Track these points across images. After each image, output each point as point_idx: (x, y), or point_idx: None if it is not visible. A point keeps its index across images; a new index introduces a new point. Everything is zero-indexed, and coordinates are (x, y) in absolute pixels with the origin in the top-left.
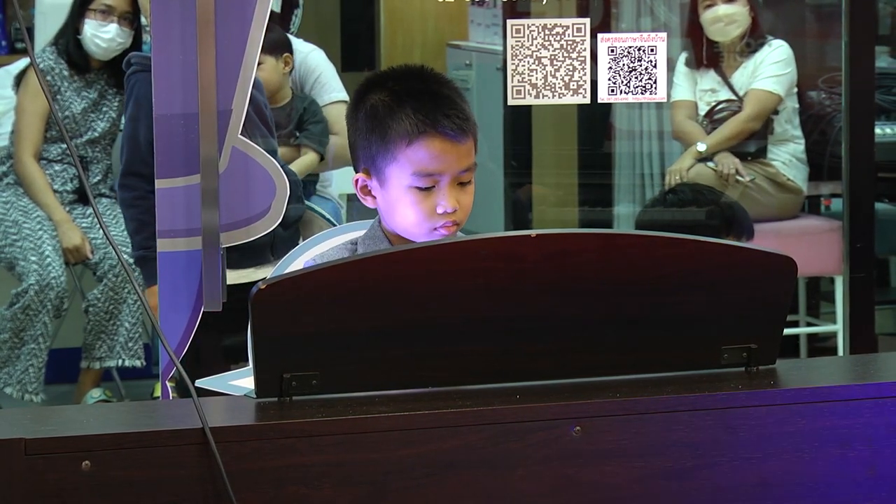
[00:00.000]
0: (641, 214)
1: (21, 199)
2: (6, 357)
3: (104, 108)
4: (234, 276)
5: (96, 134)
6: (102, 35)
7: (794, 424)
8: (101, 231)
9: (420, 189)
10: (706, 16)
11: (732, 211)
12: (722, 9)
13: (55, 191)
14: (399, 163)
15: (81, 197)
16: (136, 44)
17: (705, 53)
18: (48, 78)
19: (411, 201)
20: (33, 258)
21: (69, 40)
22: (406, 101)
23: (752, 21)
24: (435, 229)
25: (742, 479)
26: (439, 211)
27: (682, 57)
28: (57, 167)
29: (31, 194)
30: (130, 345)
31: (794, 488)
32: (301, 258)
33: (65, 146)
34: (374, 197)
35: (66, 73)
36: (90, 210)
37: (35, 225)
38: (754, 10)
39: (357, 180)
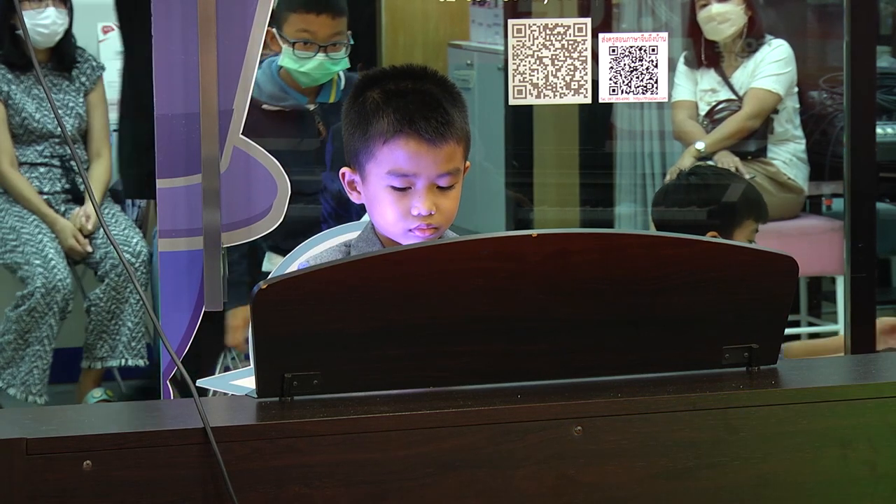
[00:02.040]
0: (658, 196)
1: (15, 204)
2: (10, 358)
3: (70, 104)
4: None
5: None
6: (42, 21)
7: (796, 424)
8: (100, 230)
9: (396, 189)
10: (701, 15)
11: (756, 194)
12: (715, 7)
13: (46, 193)
14: (377, 160)
15: (75, 197)
16: (71, 23)
17: (705, 53)
18: None
19: (389, 200)
20: (37, 262)
21: (4, 40)
22: (393, 99)
23: (749, 20)
24: (410, 230)
25: (743, 479)
26: (413, 213)
27: (683, 56)
28: (42, 169)
29: (19, 201)
30: (133, 344)
31: (796, 488)
32: (299, 259)
33: (41, 148)
34: (359, 192)
35: (9, 76)
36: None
37: (34, 229)
38: (752, 9)
39: (344, 174)
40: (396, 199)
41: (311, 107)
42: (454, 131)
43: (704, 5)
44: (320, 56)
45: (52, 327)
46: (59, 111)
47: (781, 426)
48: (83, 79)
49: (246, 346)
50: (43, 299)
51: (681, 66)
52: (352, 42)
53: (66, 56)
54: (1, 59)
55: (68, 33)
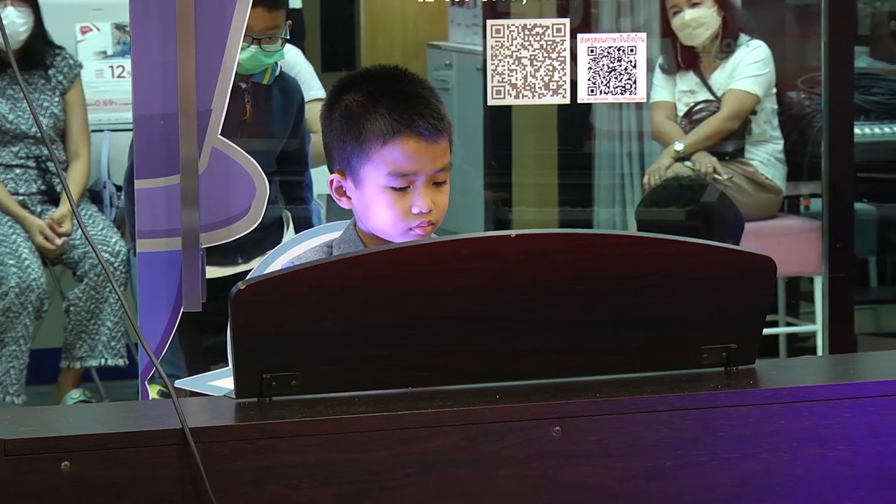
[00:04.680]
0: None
1: None
2: None
3: (45, 104)
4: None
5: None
6: None
7: (774, 424)
8: (79, 231)
9: (395, 189)
10: (675, 22)
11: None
12: (688, 14)
13: (22, 194)
14: (374, 163)
15: (51, 198)
16: (39, 23)
17: (681, 56)
18: None
19: (386, 202)
20: (11, 262)
21: None
22: (381, 100)
23: (723, 20)
24: (410, 229)
25: (722, 479)
26: (414, 211)
27: (658, 63)
28: (17, 171)
29: None
30: (113, 343)
31: (774, 488)
32: (279, 259)
33: (16, 149)
34: (350, 198)
35: None
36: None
37: (8, 230)
38: (725, 10)
39: (332, 181)
40: (395, 200)
41: (243, 85)
42: (445, 126)
43: (677, 12)
44: (253, 48)
45: (27, 327)
46: (28, 112)
47: (760, 426)
48: (60, 77)
49: None
50: (17, 299)
51: (658, 73)
52: (287, 36)
53: (34, 56)
54: None
55: (36, 33)
